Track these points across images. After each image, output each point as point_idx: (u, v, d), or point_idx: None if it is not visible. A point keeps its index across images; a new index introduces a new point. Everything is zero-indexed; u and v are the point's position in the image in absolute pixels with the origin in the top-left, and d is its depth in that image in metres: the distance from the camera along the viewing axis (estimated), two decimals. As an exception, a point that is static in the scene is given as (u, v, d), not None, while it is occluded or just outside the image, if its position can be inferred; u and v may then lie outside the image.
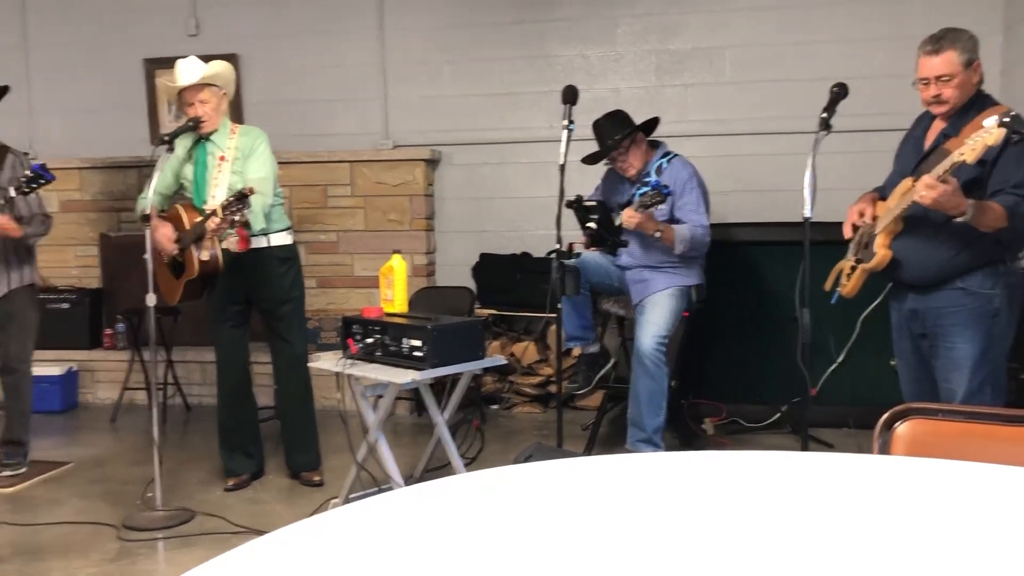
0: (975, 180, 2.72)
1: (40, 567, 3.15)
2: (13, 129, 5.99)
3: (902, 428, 1.68)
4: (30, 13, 6.06)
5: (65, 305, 5.73)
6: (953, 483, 1.39)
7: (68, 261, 5.96)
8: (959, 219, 2.68)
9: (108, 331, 5.78)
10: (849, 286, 3.10)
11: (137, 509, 3.69)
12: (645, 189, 3.80)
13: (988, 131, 2.51)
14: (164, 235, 3.76)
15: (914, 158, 2.96)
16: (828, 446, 4.36)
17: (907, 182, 2.84)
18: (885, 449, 1.69)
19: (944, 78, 2.81)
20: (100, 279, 5.90)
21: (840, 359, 4.66)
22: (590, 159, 4.14)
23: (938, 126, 2.92)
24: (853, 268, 3.09)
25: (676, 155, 4.09)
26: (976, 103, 2.84)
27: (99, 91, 6.01)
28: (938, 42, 2.83)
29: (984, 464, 1.42)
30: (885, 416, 1.72)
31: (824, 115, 3.16)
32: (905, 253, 2.91)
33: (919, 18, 5.01)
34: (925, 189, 2.63)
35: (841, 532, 1.20)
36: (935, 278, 2.88)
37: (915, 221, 2.86)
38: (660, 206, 3.75)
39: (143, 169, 5.65)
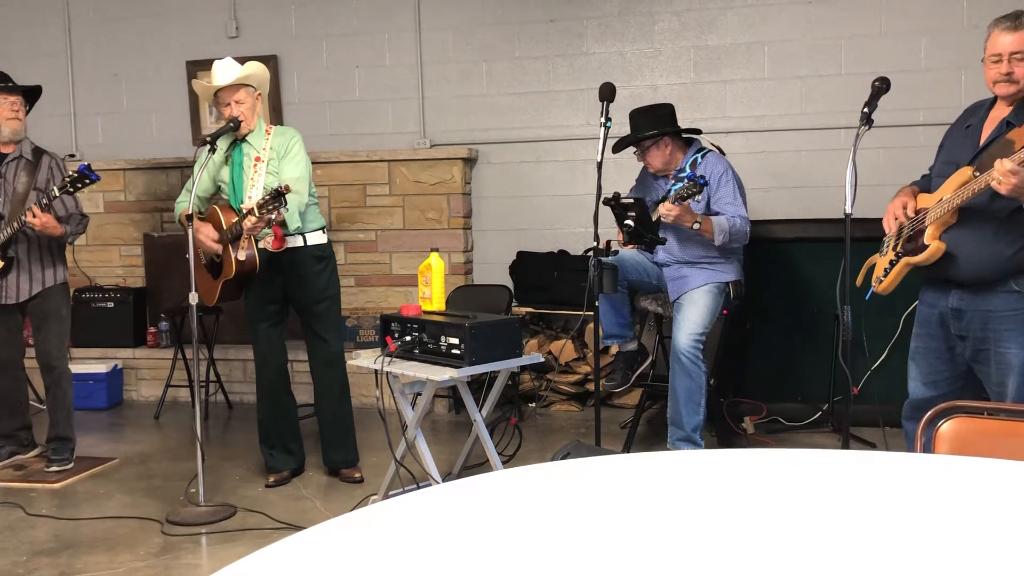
0: None
1: (87, 560, 3.21)
2: (58, 132, 6.15)
3: (946, 426, 1.66)
4: (74, 18, 6.18)
5: (110, 304, 5.83)
6: (996, 482, 1.36)
7: (112, 261, 6.07)
8: None
9: (152, 329, 5.87)
10: (887, 282, 3.00)
11: (180, 504, 3.74)
12: (680, 184, 3.78)
13: None
14: (207, 235, 3.82)
15: (970, 148, 2.84)
16: (870, 445, 4.31)
17: (965, 172, 2.73)
18: (928, 447, 1.67)
19: (1018, 55, 2.70)
20: (144, 278, 5.99)
21: (882, 357, 4.59)
22: (614, 147, 4.15)
23: (997, 115, 2.81)
24: (892, 263, 2.99)
25: (710, 151, 4.08)
26: None
27: (142, 93, 6.12)
28: (1018, 19, 2.72)
29: (1030, 463, 1.40)
30: (929, 414, 1.70)
31: (865, 110, 3.10)
32: (958, 247, 2.79)
33: (963, 10, 4.93)
34: (1004, 175, 2.51)
35: (883, 531, 1.19)
36: (990, 276, 2.76)
37: (972, 213, 2.75)
38: (697, 198, 3.73)
39: (185, 170, 5.74)
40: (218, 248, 3.83)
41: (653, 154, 4.07)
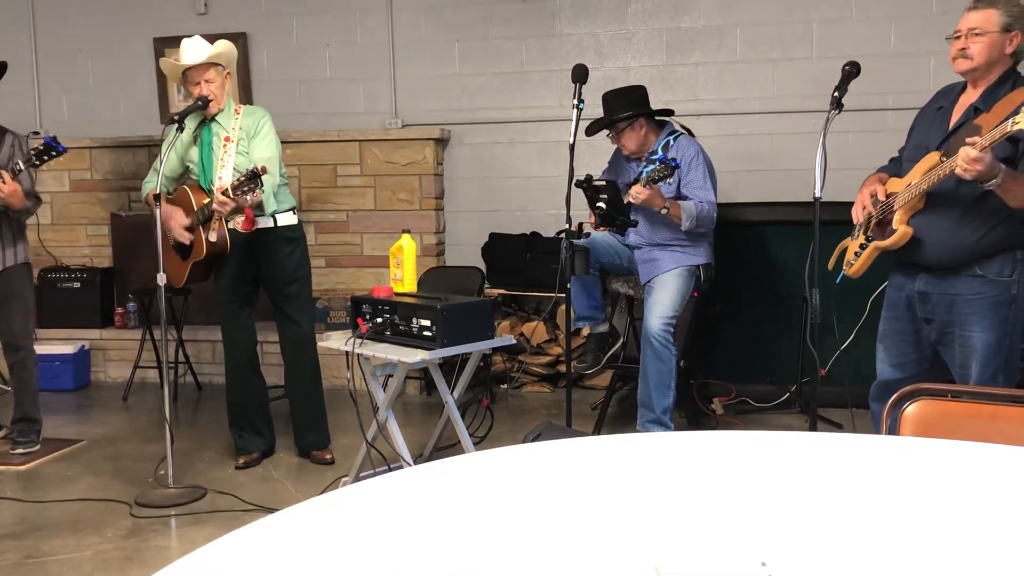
0: (1005, 160, 2.62)
1: (53, 543, 3.19)
2: (22, 108, 6.04)
3: (911, 409, 1.68)
4: (39, -8, 6.06)
5: (76, 284, 5.76)
6: (959, 463, 1.39)
7: (79, 240, 5.99)
8: (989, 184, 2.58)
9: (119, 310, 5.81)
10: (857, 266, 3.04)
11: (149, 486, 3.72)
12: (652, 167, 3.80)
13: None
14: (179, 222, 3.78)
15: (939, 132, 2.87)
16: (837, 426, 4.37)
17: (933, 157, 2.76)
18: (894, 429, 1.69)
19: (976, 31, 2.73)
20: (111, 258, 5.92)
21: (850, 339, 4.65)
22: (588, 129, 4.16)
23: (966, 100, 2.84)
24: (862, 247, 3.02)
25: (682, 133, 4.09)
26: (1010, 78, 2.76)
27: (109, 71, 6.01)
28: (984, 0, 2.76)
29: (990, 444, 1.42)
30: (894, 396, 1.72)
31: (836, 94, 3.12)
32: (925, 232, 2.82)
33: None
34: (969, 163, 2.53)
35: (848, 513, 1.21)
36: (956, 260, 2.80)
37: (939, 199, 2.78)
38: (668, 181, 3.75)
39: (153, 149, 5.66)
40: (188, 237, 3.79)
41: (628, 136, 4.06)
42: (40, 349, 5.36)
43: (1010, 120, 2.46)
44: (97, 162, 5.92)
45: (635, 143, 4.07)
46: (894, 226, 2.87)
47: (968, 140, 2.55)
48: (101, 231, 5.95)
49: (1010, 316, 2.80)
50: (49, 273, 5.80)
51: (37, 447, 4.18)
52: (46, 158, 3.78)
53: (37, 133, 6.03)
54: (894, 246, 2.88)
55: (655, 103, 4.27)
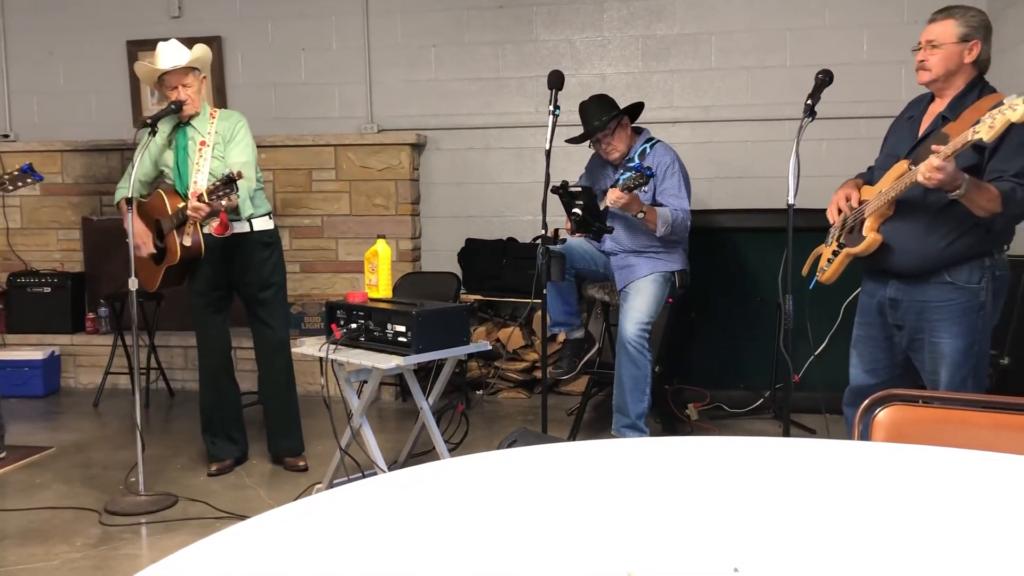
0: (972, 168, 2.65)
1: (21, 552, 3.14)
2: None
3: (883, 414, 1.69)
4: (10, -7, 5.99)
5: (47, 289, 5.69)
6: (930, 469, 1.40)
7: (50, 245, 5.92)
8: (953, 194, 2.60)
9: (91, 315, 5.74)
10: (829, 272, 3.07)
11: (120, 494, 3.67)
12: (629, 174, 3.81)
13: (1012, 107, 2.38)
14: (145, 244, 3.77)
15: (908, 141, 2.91)
16: (810, 431, 4.40)
17: (902, 165, 2.80)
18: (866, 435, 1.70)
19: (933, 43, 2.78)
20: (82, 263, 5.85)
21: (823, 345, 4.68)
22: (575, 139, 4.17)
23: (935, 109, 2.87)
24: (835, 253, 3.05)
25: (658, 141, 4.11)
26: (976, 87, 2.80)
27: (80, 73, 5.95)
28: (944, 11, 2.81)
29: (960, 450, 1.44)
30: (866, 402, 1.73)
31: (809, 102, 3.15)
32: (894, 239, 2.86)
33: (903, 5, 5.03)
34: (931, 171, 2.55)
35: (821, 518, 1.21)
36: (924, 267, 2.83)
37: (907, 206, 2.81)
38: (644, 189, 3.76)
39: (125, 152, 5.61)
40: (152, 250, 3.77)
41: (619, 137, 4.06)
42: (9, 355, 5.34)
43: (971, 129, 2.49)
44: (68, 166, 5.86)
45: (624, 143, 4.07)
46: (864, 233, 2.90)
47: (933, 148, 2.59)
48: (72, 235, 5.88)
49: (979, 323, 2.83)
50: (19, 278, 5.72)
51: (3, 454, 4.12)
52: (20, 184, 3.76)
53: (7, 136, 5.96)
54: (864, 253, 2.91)
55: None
